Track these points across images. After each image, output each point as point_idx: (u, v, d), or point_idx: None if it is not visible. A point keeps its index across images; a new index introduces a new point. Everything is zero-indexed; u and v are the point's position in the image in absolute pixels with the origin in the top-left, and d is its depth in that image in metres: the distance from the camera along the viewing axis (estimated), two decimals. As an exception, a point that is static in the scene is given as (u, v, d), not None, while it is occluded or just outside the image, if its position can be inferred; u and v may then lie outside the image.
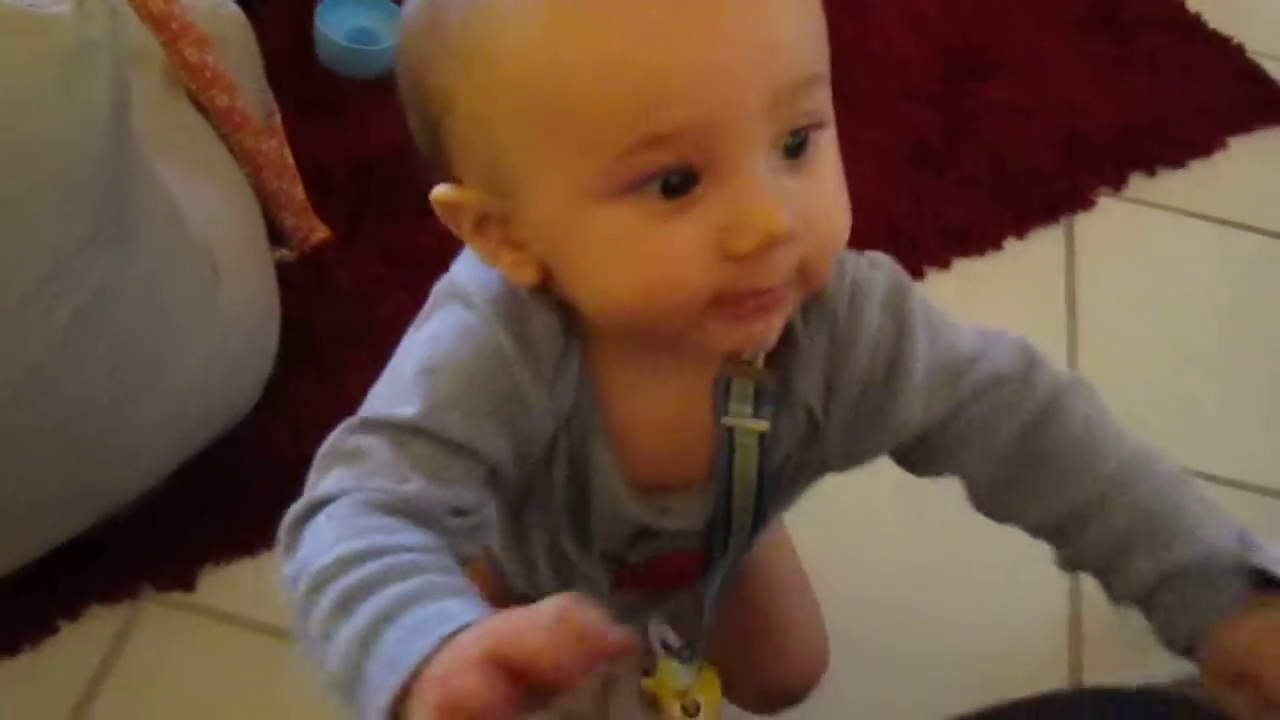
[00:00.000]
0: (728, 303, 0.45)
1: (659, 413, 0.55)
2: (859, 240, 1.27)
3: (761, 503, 0.58)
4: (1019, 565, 1.03)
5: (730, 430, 0.55)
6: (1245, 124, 1.47)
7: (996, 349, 0.55)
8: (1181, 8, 1.59)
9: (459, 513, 0.48)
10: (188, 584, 0.92)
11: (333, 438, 0.49)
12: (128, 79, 0.71)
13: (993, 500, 0.57)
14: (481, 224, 0.49)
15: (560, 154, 0.43)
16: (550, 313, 0.50)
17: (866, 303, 0.54)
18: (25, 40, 0.63)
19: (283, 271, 1.05)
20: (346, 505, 0.45)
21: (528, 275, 0.49)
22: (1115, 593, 0.54)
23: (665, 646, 0.68)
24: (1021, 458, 0.55)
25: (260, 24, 1.12)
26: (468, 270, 0.53)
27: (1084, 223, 1.32)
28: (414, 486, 0.46)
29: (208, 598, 0.92)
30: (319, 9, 1.28)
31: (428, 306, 0.54)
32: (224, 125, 0.99)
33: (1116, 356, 1.20)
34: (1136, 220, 1.34)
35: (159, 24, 0.92)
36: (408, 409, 0.48)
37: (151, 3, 0.92)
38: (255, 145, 1.01)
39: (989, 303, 1.21)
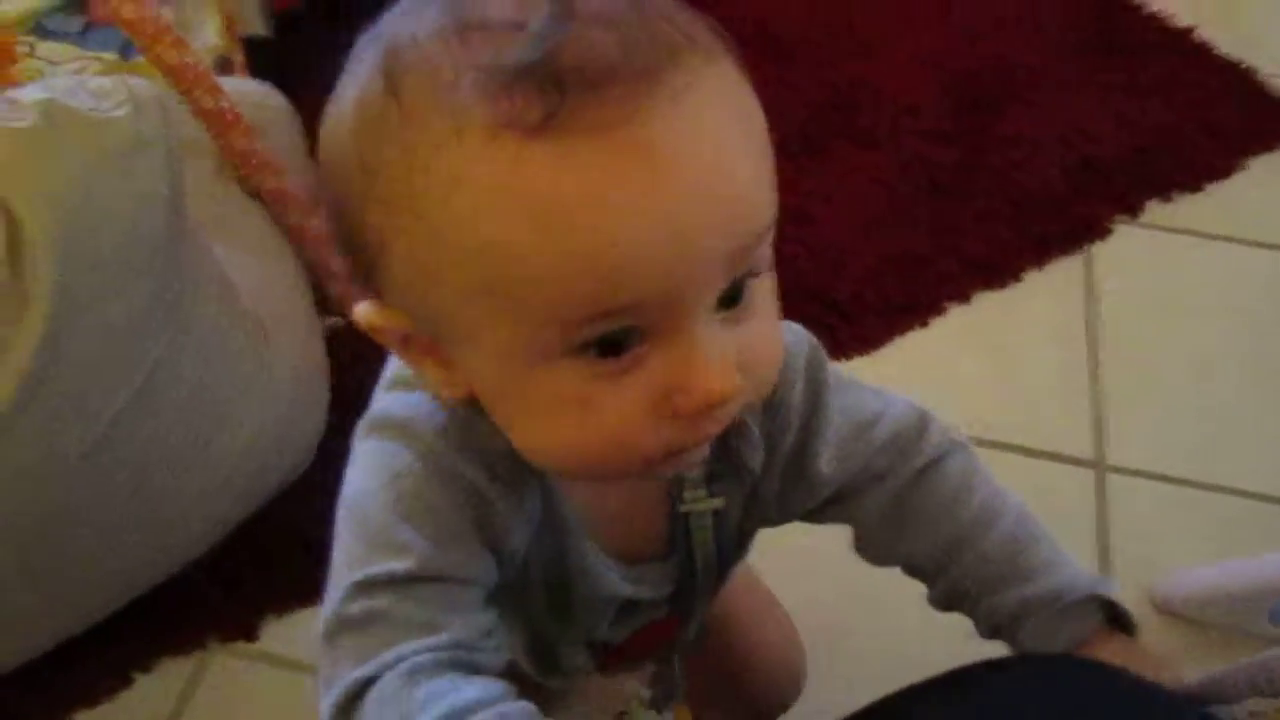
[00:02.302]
0: (674, 453, 0.44)
1: (618, 505, 0.56)
2: (883, 272, 1.30)
3: (723, 566, 0.62)
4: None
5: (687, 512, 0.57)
6: (1261, 144, 1.49)
7: (894, 408, 0.59)
8: (1188, 35, 1.63)
9: (489, 634, 0.48)
10: (250, 634, 0.98)
11: (332, 610, 0.46)
12: (181, 170, 0.79)
13: (875, 546, 0.61)
14: (408, 340, 0.46)
15: (505, 320, 0.41)
16: (497, 431, 0.47)
17: (792, 372, 0.56)
18: (90, 140, 0.71)
19: (333, 337, 1.12)
20: (395, 682, 0.43)
21: (457, 393, 0.46)
22: (982, 625, 0.59)
23: (640, 700, 0.72)
24: (904, 506, 0.59)
25: (303, 106, 1.20)
26: (400, 403, 0.50)
27: (1102, 251, 1.35)
28: (449, 632, 0.45)
29: (270, 646, 0.98)
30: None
31: (361, 445, 0.51)
32: (272, 206, 1.07)
33: (1140, 384, 1.22)
34: (1154, 246, 1.37)
35: (210, 119, 1.00)
36: (402, 563, 0.46)
37: (203, 99, 1.00)
38: (302, 222, 1.09)
39: (1011, 334, 1.25)
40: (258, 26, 1.34)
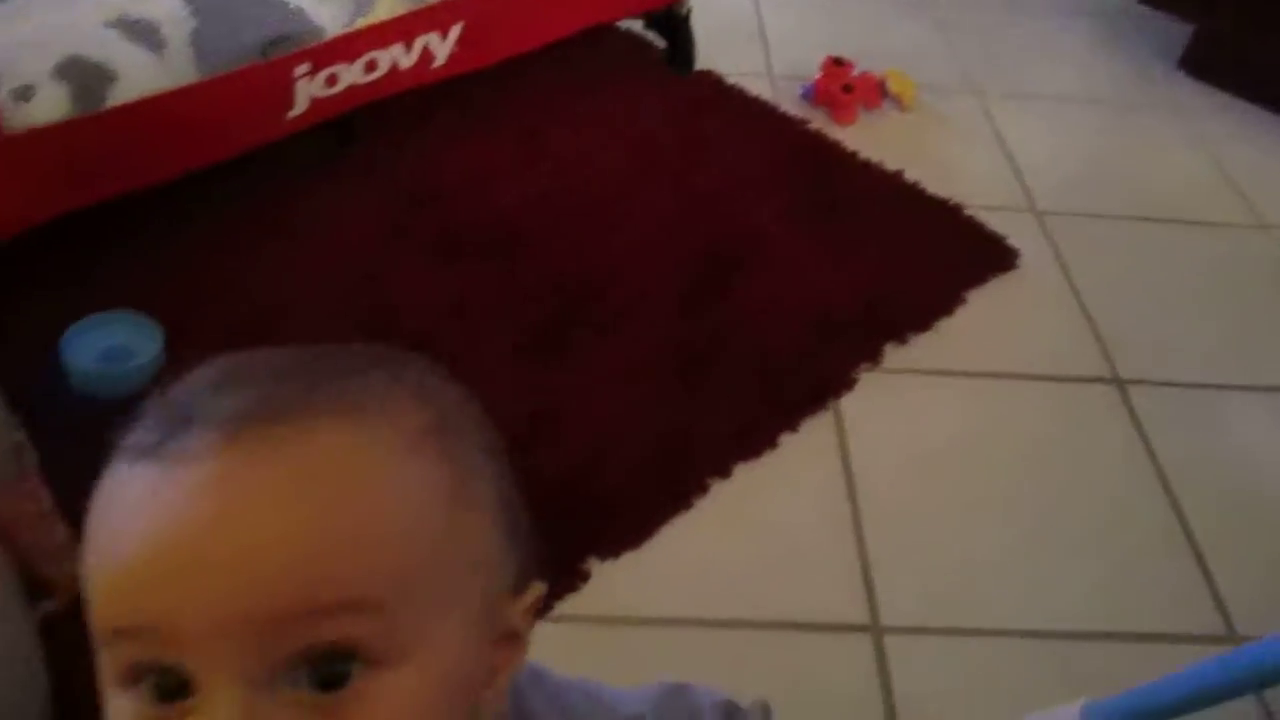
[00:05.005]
0: None
1: None
2: (642, 460, 1.30)
3: None
4: None
5: None
6: (977, 277, 1.60)
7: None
8: (899, 178, 1.74)
9: None
10: None
11: None
12: None
13: None
14: None
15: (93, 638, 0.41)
16: None
17: None
18: None
19: (49, 624, 1.01)
20: None
21: None
22: None
23: None
24: None
25: (5, 360, 1.10)
26: None
27: (849, 402, 1.39)
28: None
29: None
30: (66, 335, 1.27)
31: None
32: (-41, 496, 0.96)
33: (901, 533, 1.25)
34: (896, 389, 1.42)
35: None
36: None
37: None
38: (-2, 507, 0.98)
39: (773, 505, 1.25)
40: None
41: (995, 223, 1.70)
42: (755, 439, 1.31)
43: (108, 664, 0.39)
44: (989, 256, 1.64)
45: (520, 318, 1.42)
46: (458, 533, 0.42)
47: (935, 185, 1.75)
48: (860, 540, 1.23)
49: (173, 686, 0.38)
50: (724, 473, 1.27)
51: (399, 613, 0.39)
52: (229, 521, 0.38)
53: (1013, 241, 1.67)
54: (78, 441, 1.19)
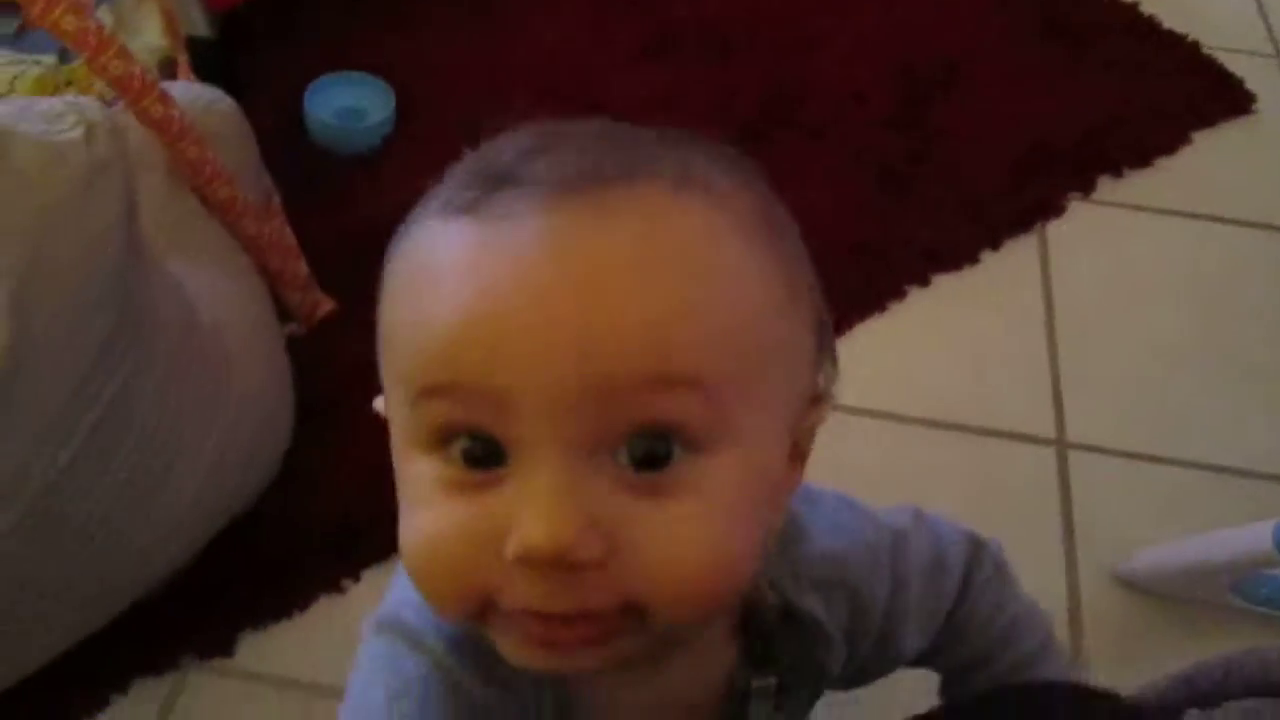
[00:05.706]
0: (510, 615, 0.38)
1: (653, 697, 0.50)
2: (840, 260, 1.31)
3: None
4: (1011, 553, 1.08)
5: None
6: (1207, 118, 1.52)
7: (953, 549, 0.60)
8: (1135, 9, 1.65)
9: None
10: (227, 650, 0.97)
11: None
12: (135, 189, 0.77)
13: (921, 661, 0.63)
14: None
15: (392, 395, 0.40)
16: None
17: (877, 572, 0.55)
18: (42, 168, 0.69)
19: (292, 346, 1.11)
20: None
21: None
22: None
23: None
24: (948, 627, 0.61)
25: (251, 109, 1.18)
26: (415, 606, 0.47)
27: (1056, 229, 1.36)
28: None
29: (246, 662, 0.97)
30: (308, 91, 1.35)
31: (368, 645, 0.49)
32: (226, 215, 1.05)
33: (1096, 358, 1.24)
34: (1107, 222, 1.39)
35: (160, 128, 0.98)
36: None
37: (152, 109, 0.98)
38: (257, 230, 1.07)
39: (969, 316, 1.26)
40: (199, 27, 1.31)
41: (1234, 64, 1.60)
42: (956, 252, 1.30)
43: (412, 424, 0.38)
44: (1223, 98, 1.55)
45: (725, 117, 1.42)
46: (785, 325, 0.40)
47: (1173, 20, 1.65)
48: (1054, 360, 1.23)
49: (480, 453, 0.37)
50: (922, 281, 1.27)
51: (727, 397, 0.37)
52: (567, 285, 0.35)
53: (1251, 86, 1.57)
54: (313, 190, 1.30)
